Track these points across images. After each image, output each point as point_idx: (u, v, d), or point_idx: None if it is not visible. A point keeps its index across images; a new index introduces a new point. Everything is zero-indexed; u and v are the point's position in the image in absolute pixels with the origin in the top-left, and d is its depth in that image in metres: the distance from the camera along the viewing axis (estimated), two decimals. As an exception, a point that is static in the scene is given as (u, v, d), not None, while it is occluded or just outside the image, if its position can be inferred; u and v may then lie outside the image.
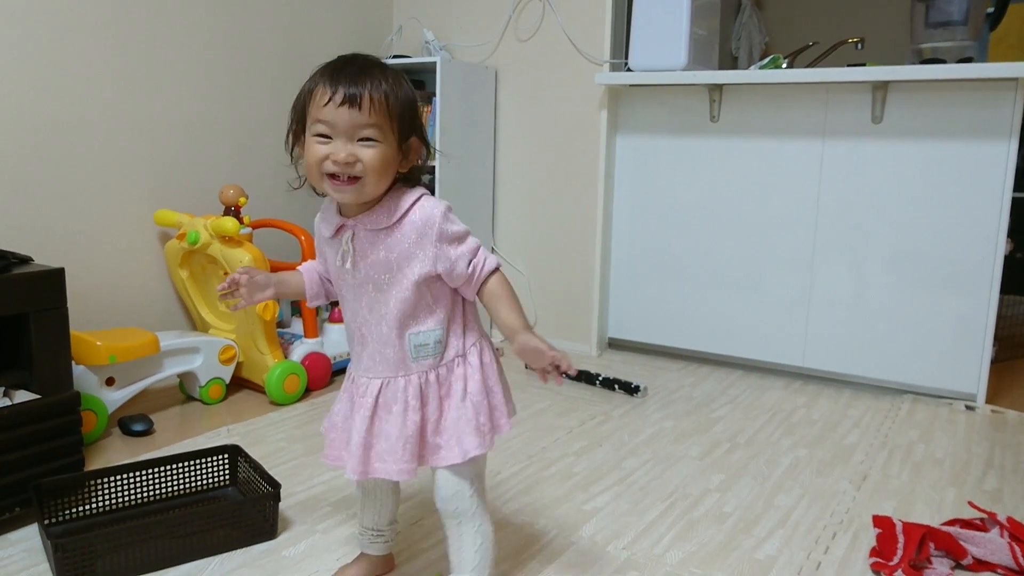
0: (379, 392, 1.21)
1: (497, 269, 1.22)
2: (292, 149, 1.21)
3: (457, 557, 1.26)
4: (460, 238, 1.18)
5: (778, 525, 1.70)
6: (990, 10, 2.72)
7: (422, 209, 1.16)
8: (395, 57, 3.10)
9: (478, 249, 1.20)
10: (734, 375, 2.81)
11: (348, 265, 1.18)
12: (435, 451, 1.22)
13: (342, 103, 1.08)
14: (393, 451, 1.19)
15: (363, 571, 1.42)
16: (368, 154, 1.10)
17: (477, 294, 1.23)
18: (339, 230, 1.20)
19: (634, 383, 2.58)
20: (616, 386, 2.60)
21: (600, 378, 2.65)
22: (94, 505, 1.66)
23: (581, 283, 3.10)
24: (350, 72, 1.10)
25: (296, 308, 2.79)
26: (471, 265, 1.19)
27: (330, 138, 1.10)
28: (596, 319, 3.07)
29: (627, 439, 2.19)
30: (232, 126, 2.78)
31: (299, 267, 1.35)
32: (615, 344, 3.17)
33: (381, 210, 1.16)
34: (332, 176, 1.12)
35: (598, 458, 2.05)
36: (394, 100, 1.11)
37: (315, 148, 1.11)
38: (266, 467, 1.88)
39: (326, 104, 1.09)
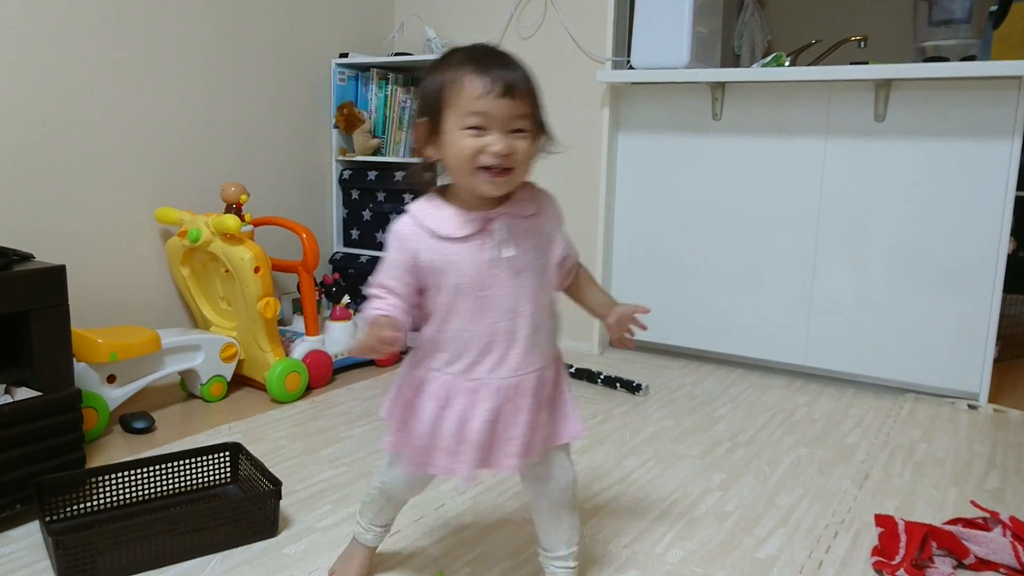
0: (536, 385, 1.21)
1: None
2: (424, 144, 1.15)
3: (567, 535, 1.32)
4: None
5: (779, 524, 1.69)
6: (993, 8, 2.71)
7: (546, 194, 1.23)
8: (397, 55, 3.10)
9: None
10: (735, 374, 2.80)
11: (508, 254, 1.15)
12: (554, 433, 1.25)
13: (502, 94, 1.06)
14: (526, 442, 1.20)
15: (365, 565, 1.43)
16: (521, 145, 1.10)
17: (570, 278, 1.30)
18: (486, 224, 1.15)
19: (635, 382, 2.57)
20: (617, 385, 2.60)
21: (601, 376, 2.64)
22: (95, 502, 1.66)
23: (583, 281, 3.09)
24: (501, 61, 1.09)
25: (298, 306, 2.79)
26: (574, 257, 1.29)
27: (483, 129, 1.08)
28: (598, 317, 3.06)
29: (628, 438, 2.19)
30: (233, 124, 2.78)
31: (380, 316, 1.17)
32: (617, 342, 3.16)
33: (522, 197, 1.18)
34: (486, 168, 1.09)
35: (599, 457, 2.04)
36: (534, 88, 1.13)
37: (467, 141, 1.08)
38: (267, 464, 1.88)
39: (481, 95, 1.06)
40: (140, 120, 2.50)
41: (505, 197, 1.16)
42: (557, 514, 1.30)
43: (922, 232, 2.51)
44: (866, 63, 2.55)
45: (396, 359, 2.88)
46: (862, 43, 2.90)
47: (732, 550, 1.58)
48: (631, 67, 2.82)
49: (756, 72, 2.63)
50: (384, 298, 1.18)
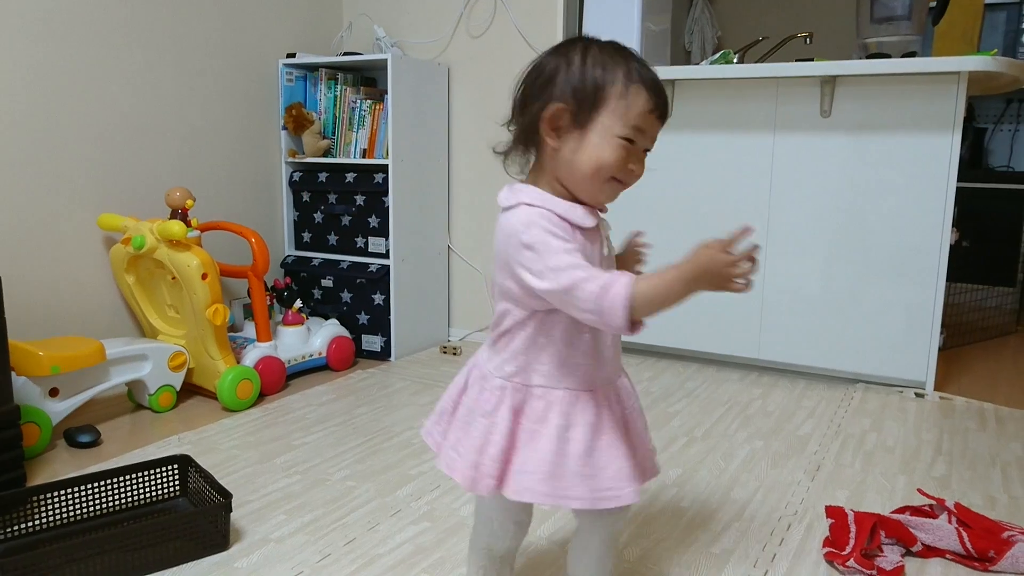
0: (625, 387, 1.15)
1: None
2: (551, 128, 1.04)
3: (607, 566, 1.23)
4: None
5: (734, 519, 1.71)
6: (933, 4, 2.77)
7: None
8: (346, 54, 3.06)
9: None
10: (691, 368, 2.83)
11: (608, 252, 1.12)
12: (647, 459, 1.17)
13: (661, 115, 1.04)
14: (641, 463, 1.12)
15: None
16: (643, 167, 1.06)
17: None
18: (598, 219, 1.09)
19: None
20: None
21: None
22: (39, 521, 1.60)
23: (538, 280, 3.08)
24: (658, 77, 1.05)
25: (249, 311, 2.74)
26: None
27: (633, 143, 1.02)
28: (554, 316, 3.06)
29: (585, 436, 2.19)
30: (178, 126, 2.72)
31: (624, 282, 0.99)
32: (573, 340, 3.16)
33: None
34: (618, 180, 1.05)
35: (556, 456, 2.04)
36: None
37: (617, 152, 1.01)
38: (219, 475, 1.85)
39: (649, 112, 1.02)
40: (80, 123, 2.43)
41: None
42: (609, 547, 1.21)
43: (868, 224, 2.56)
44: (812, 59, 2.59)
45: (352, 363, 2.85)
46: (808, 40, 2.95)
47: (688, 546, 1.59)
48: (581, 65, 2.81)
49: (705, 69, 2.65)
50: (594, 270, 0.98)
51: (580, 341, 1.06)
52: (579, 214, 1.04)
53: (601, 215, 1.11)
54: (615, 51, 1.04)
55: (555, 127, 1.03)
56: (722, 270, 0.92)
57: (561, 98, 1.02)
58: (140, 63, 2.57)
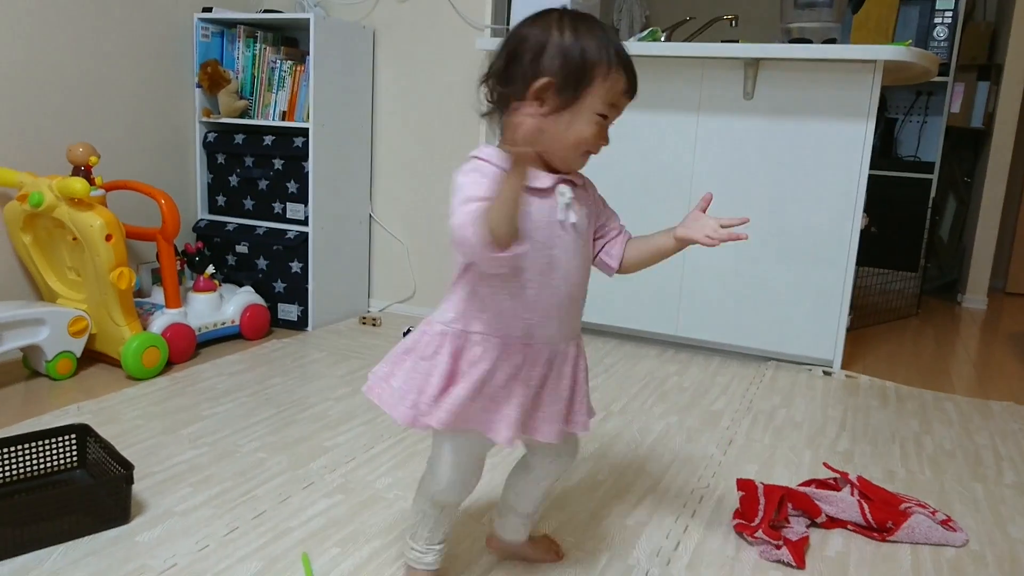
0: (555, 357, 1.17)
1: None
2: (536, 98, 1.07)
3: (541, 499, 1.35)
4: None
5: (648, 491, 1.73)
6: (853, -7, 2.85)
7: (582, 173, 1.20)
8: (266, 11, 2.93)
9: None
10: (610, 344, 2.86)
11: (572, 219, 1.14)
12: (576, 417, 1.22)
13: (632, 96, 1.13)
14: (574, 411, 1.21)
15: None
16: (608, 137, 1.15)
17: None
18: (554, 185, 1.13)
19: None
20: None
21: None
22: (-83, 494, 1.50)
23: (461, 252, 3.05)
24: (631, 58, 1.12)
25: (157, 276, 2.62)
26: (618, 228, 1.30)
27: (606, 119, 1.12)
28: (476, 289, 3.03)
29: (504, 409, 2.18)
30: (81, 77, 2.55)
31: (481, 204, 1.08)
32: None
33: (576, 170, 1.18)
34: (589, 153, 1.14)
35: (475, 429, 2.03)
36: None
37: (592, 128, 1.11)
38: (121, 446, 1.76)
39: (624, 93, 1.12)
40: (-30, 70, 2.25)
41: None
42: (549, 485, 1.33)
43: (785, 207, 2.62)
44: (737, 42, 2.62)
45: (266, 332, 2.77)
46: (733, 22, 2.98)
47: (603, 518, 1.60)
48: (510, 35, 2.78)
49: (632, 46, 2.65)
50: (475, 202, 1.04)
51: (523, 295, 1.12)
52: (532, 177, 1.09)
53: (575, 183, 1.16)
54: (598, 29, 1.10)
55: (539, 98, 1.08)
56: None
57: (550, 72, 1.07)
58: (40, 7, 2.40)
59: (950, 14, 3.92)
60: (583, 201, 1.17)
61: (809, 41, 2.67)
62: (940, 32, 3.95)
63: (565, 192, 1.13)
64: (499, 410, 1.14)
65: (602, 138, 1.14)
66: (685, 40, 2.91)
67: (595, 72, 1.08)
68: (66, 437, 1.65)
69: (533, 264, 1.11)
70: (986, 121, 4.13)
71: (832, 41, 2.67)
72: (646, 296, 2.83)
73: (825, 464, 1.87)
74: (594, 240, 1.24)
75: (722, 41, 2.63)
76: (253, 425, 1.98)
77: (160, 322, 2.36)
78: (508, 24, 2.80)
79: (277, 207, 2.87)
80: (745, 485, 1.67)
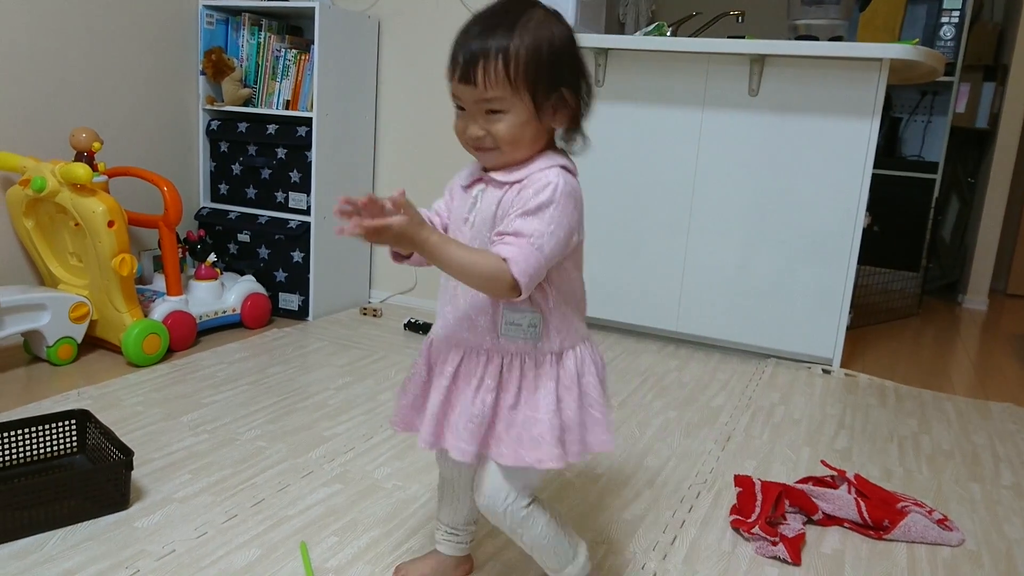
0: (460, 362, 1.11)
1: (507, 261, 0.99)
2: None
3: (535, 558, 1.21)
4: (533, 212, 1.02)
5: (646, 485, 1.74)
6: (861, -10, 2.84)
7: (546, 173, 1.04)
8: (270, 0, 2.92)
9: (530, 244, 1.00)
10: (611, 338, 2.86)
11: (471, 217, 1.10)
12: (497, 443, 1.10)
13: (461, 79, 1.02)
14: (456, 426, 1.10)
15: (431, 569, 1.32)
16: (497, 128, 1.03)
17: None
18: (474, 183, 1.12)
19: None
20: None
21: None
22: (-83, 476, 1.50)
23: (463, 244, 3.05)
24: (471, 37, 1.02)
25: (159, 263, 2.62)
26: (503, 235, 1.02)
27: (463, 109, 1.05)
28: (477, 281, 3.03)
29: (504, 402, 2.18)
30: (86, 63, 2.55)
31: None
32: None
33: (515, 169, 1.07)
34: (472, 146, 1.07)
35: (474, 421, 2.03)
36: (518, 59, 1.00)
37: (455, 121, 1.07)
38: (121, 432, 1.77)
39: (451, 79, 1.04)
40: (-25, 54, 2.25)
41: (507, 164, 1.08)
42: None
43: (787, 205, 2.61)
44: (743, 38, 2.61)
45: (267, 321, 2.77)
46: (740, 18, 2.97)
47: (601, 511, 1.60)
48: (516, 28, 2.77)
49: (638, 40, 2.65)
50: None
51: (446, 288, 1.14)
52: (466, 171, 1.14)
53: (501, 181, 1.06)
54: (482, 15, 1.05)
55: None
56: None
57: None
58: (45, -8, 2.40)
59: (957, 14, 3.91)
60: (491, 201, 1.07)
61: (815, 38, 2.66)
62: (947, 32, 3.94)
63: (475, 190, 1.11)
64: (423, 408, 1.16)
65: (464, 130, 1.05)
66: (691, 35, 2.90)
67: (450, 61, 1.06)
68: (66, 422, 1.66)
69: None
70: (991, 122, 4.11)
71: (839, 39, 2.67)
72: (647, 291, 2.83)
73: (823, 462, 1.87)
74: None
75: (728, 37, 2.62)
76: (253, 413, 1.99)
77: (161, 309, 2.37)
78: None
79: (279, 196, 2.87)
80: (743, 481, 1.68)
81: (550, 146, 1.10)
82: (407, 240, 0.97)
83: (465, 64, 1.01)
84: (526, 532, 1.15)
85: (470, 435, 1.09)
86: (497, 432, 1.10)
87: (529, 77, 1.01)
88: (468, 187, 1.12)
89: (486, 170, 1.10)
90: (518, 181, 1.05)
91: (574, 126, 1.09)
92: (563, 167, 1.06)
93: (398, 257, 1.11)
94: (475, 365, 1.11)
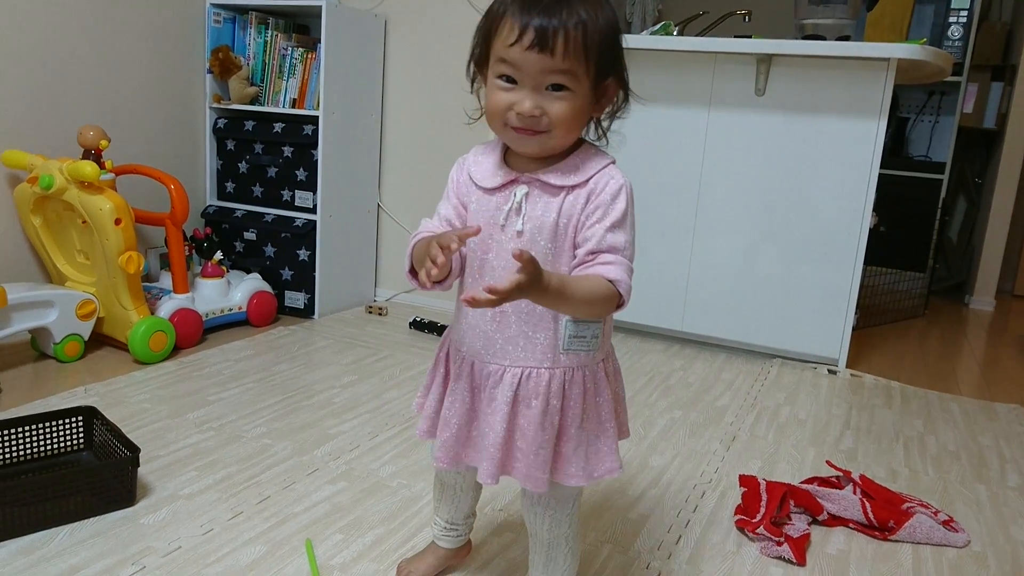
0: (519, 384, 1.02)
1: (615, 283, 0.95)
2: (473, 78, 1.03)
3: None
4: (620, 224, 0.97)
5: (651, 485, 1.74)
6: (868, -10, 2.83)
7: (607, 172, 1.00)
8: (278, -2, 2.93)
9: (625, 258, 0.97)
10: (616, 338, 2.86)
11: (518, 226, 0.99)
12: (566, 464, 1.04)
13: (531, 45, 0.90)
14: (529, 456, 1.03)
15: (432, 564, 1.31)
16: (557, 107, 0.94)
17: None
18: (507, 184, 1.01)
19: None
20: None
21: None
22: (-75, 472, 1.51)
23: (468, 243, 3.05)
24: (542, 4, 0.90)
25: (165, 261, 2.63)
26: (598, 253, 0.96)
27: (515, 83, 0.94)
28: (483, 280, 3.03)
29: (509, 401, 2.18)
30: (94, 61, 2.56)
31: (422, 235, 1.04)
32: (501, 305, 3.15)
33: (566, 168, 0.99)
34: (515, 127, 0.96)
35: (479, 420, 2.03)
36: (593, 34, 0.92)
37: (497, 95, 0.95)
38: (127, 429, 1.78)
39: (512, 44, 0.91)
40: (-17, 52, 2.26)
41: (545, 160, 1.00)
42: (538, 551, 1.17)
43: (794, 205, 2.61)
44: (750, 37, 2.60)
45: (273, 319, 2.78)
46: (747, 17, 2.97)
47: (605, 511, 1.61)
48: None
49: (644, 39, 2.64)
50: (431, 221, 1.07)
51: (458, 299, 1.06)
52: (484, 170, 1.04)
53: (548, 182, 0.99)
54: None
55: (473, 78, 1.03)
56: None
57: (474, 47, 1.00)
58: (53, -10, 2.40)
59: (965, 14, 3.90)
60: (549, 207, 0.99)
61: (823, 38, 2.66)
62: (955, 31, 3.92)
63: (517, 193, 1.00)
64: (471, 438, 1.09)
65: (516, 105, 0.94)
66: (698, 34, 2.90)
67: (492, 30, 0.95)
68: (73, 419, 1.66)
69: (468, 266, 1.05)
70: (999, 122, 4.10)
71: (846, 38, 2.66)
72: (653, 291, 2.83)
73: (828, 462, 1.87)
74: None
75: (735, 36, 2.62)
76: (259, 411, 1.99)
77: (167, 307, 2.37)
78: None
79: (286, 194, 2.88)
80: (748, 481, 1.68)
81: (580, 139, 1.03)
82: (531, 295, 0.88)
83: (542, 30, 0.90)
84: (569, 546, 1.16)
85: (543, 463, 1.02)
86: (565, 454, 1.04)
87: (600, 56, 0.94)
88: (497, 189, 1.02)
89: (512, 167, 1.02)
90: (579, 185, 0.99)
91: (612, 118, 1.04)
92: (613, 161, 1.02)
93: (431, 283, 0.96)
94: (536, 386, 1.02)
